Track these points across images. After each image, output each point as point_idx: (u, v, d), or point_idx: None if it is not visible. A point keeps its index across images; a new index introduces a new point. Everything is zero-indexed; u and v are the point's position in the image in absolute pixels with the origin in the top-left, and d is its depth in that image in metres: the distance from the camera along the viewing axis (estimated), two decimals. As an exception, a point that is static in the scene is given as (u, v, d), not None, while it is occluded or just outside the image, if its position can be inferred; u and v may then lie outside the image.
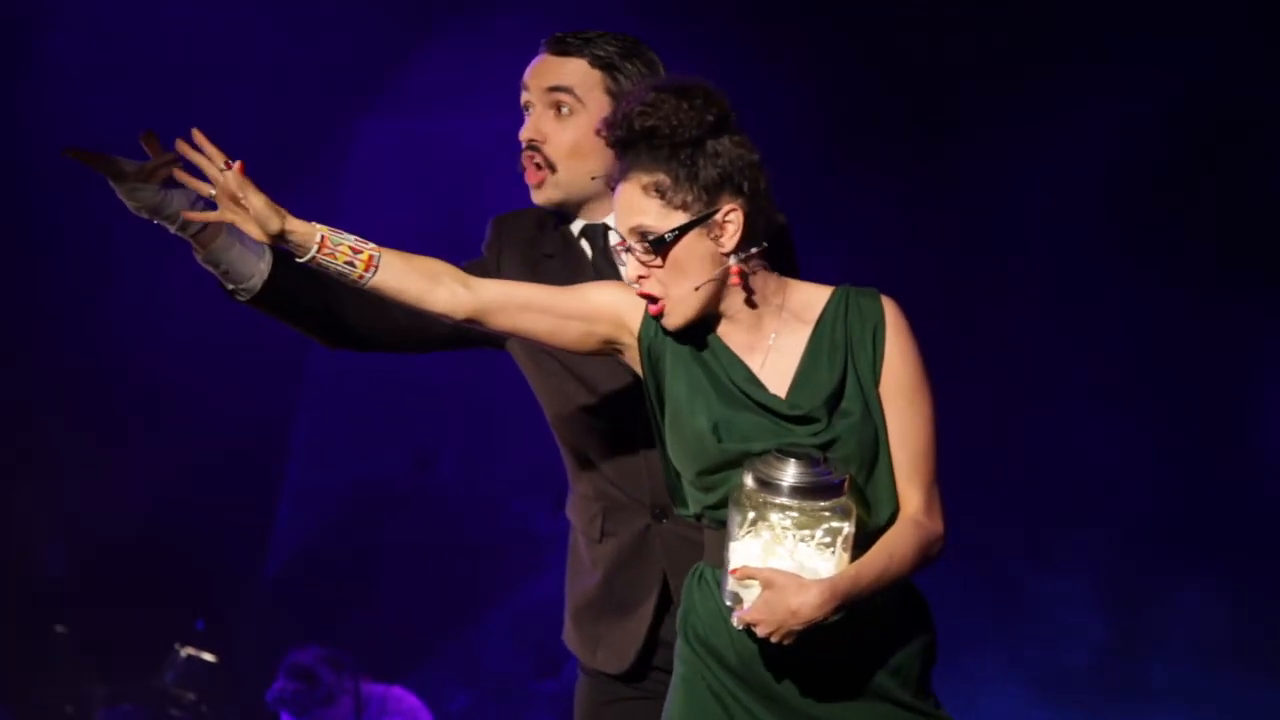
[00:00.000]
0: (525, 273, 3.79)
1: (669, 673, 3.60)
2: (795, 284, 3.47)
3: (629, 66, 3.80)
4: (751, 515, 3.30)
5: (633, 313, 3.46)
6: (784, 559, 3.28)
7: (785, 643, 3.28)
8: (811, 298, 3.45)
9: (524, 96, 3.85)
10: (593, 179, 3.79)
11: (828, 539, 3.30)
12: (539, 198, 3.83)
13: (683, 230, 3.36)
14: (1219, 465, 7.61)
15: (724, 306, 3.42)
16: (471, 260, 3.84)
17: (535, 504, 8.45)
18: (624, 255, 3.41)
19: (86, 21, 7.66)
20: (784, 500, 3.28)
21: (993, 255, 7.56)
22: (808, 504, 3.28)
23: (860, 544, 3.35)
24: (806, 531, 3.29)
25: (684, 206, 3.36)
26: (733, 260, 3.37)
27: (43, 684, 8.09)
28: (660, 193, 3.36)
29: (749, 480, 3.30)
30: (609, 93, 3.78)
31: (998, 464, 7.39)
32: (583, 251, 3.85)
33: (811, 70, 7.59)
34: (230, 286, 3.69)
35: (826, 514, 3.29)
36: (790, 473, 3.28)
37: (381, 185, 8.10)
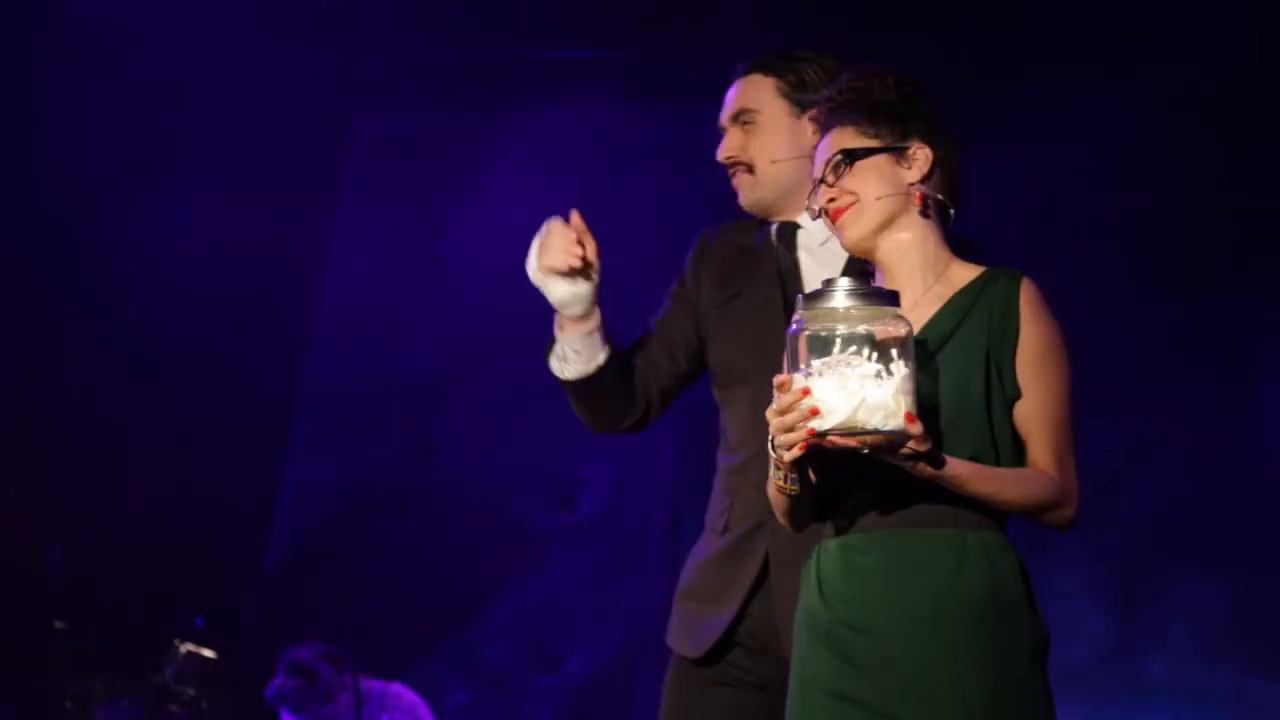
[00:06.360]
0: (717, 280, 4.18)
1: (745, 666, 3.95)
2: (957, 261, 3.61)
3: (790, 64, 4.17)
4: (810, 343, 3.29)
5: None
6: (854, 383, 3.26)
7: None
8: (964, 274, 3.59)
9: (720, 124, 4.24)
10: (783, 160, 4.10)
11: (889, 369, 3.28)
12: (745, 200, 4.19)
13: (873, 150, 3.54)
14: (1219, 462, 7.62)
15: (896, 237, 3.54)
16: (678, 279, 4.26)
17: (534, 502, 8.45)
18: (814, 197, 3.57)
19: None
20: (837, 306, 3.30)
21: (991, 255, 7.54)
22: (863, 310, 3.29)
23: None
24: (869, 353, 3.28)
25: (879, 137, 3.55)
26: (917, 188, 3.54)
27: (42, 680, 8.08)
28: (861, 129, 3.56)
29: (800, 309, 3.34)
30: (780, 92, 4.16)
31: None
32: (774, 248, 4.15)
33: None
34: (569, 358, 4.07)
35: (884, 340, 3.28)
36: (840, 285, 3.34)
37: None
